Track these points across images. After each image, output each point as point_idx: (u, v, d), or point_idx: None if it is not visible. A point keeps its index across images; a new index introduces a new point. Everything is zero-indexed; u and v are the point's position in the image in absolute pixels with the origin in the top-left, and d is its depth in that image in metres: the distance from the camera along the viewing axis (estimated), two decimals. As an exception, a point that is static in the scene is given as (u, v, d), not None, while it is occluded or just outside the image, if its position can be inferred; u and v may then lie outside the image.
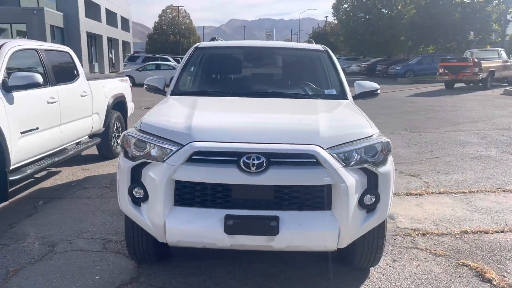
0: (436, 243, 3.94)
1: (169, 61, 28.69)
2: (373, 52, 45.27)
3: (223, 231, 2.52)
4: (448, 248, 3.83)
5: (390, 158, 2.93)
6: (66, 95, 5.25)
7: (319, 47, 4.29)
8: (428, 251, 3.77)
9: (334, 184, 2.58)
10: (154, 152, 2.63)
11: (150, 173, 2.62)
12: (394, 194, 5.18)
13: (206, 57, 4.23)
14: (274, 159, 2.56)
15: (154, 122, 2.89)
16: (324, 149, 2.61)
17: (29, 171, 4.51)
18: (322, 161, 2.55)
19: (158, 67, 26.15)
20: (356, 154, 2.70)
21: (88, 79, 6.13)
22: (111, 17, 39.95)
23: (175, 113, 3.21)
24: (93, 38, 36.38)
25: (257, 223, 2.53)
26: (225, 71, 4.27)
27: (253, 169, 2.51)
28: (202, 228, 2.56)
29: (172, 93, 3.75)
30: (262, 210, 2.59)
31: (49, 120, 4.86)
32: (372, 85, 4.05)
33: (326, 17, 76.23)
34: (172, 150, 2.58)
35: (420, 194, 5.36)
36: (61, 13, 29.46)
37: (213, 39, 4.78)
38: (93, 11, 34.72)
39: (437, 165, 6.81)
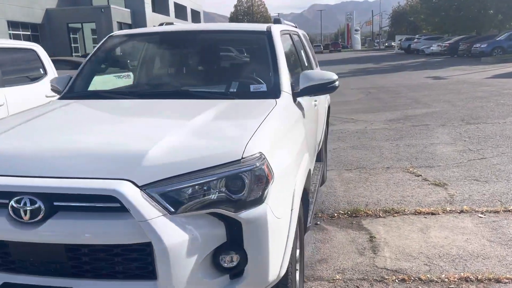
0: (415, 297, 2.80)
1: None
2: (459, 29, 41.03)
3: None
4: (430, 306, 2.68)
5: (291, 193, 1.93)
6: (20, 97, 4.78)
7: (260, 27, 3.23)
8: (397, 309, 2.66)
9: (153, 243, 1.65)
10: None
11: None
12: (398, 212, 4.04)
13: (118, 48, 3.42)
14: (60, 203, 1.70)
15: None
16: (138, 186, 1.68)
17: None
18: (127, 206, 1.64)
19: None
20: (199, 191, 1.73)
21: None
22: (180, 11, 40.62)
23: None
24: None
25: None
26: (138, 64, 3.42)
27: (25, 217, 1.68)
28: None
29: (63, 96, 3.01)
30: (53, 277, 1.75)
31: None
32: (324, 76, 2.92)
33: (408, -6, 71.12)
34: None
35: (432, 214, 4.09)
36: (129, 10, 30.41)
37: (161, 25, 3.92)
38: (161, 5, 35.49)
39: (478, 169, 5.36)
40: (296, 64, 3.63)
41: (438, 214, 4.08)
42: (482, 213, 4.05)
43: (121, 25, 28.54)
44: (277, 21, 4.00)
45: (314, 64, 4.80)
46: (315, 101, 3.76)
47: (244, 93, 2.83)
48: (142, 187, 1.69)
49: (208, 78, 3.13)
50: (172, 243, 1.64)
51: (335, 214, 4.19)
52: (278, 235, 1.88)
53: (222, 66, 3.29)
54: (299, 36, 4.53)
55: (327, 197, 4.69)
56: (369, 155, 6.35)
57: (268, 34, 3.10)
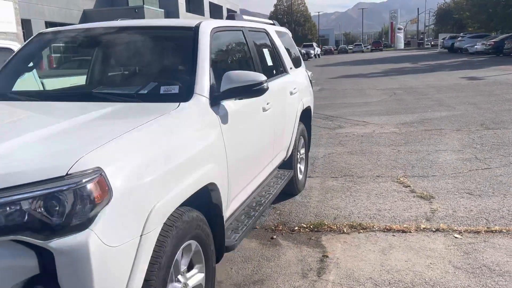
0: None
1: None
2: (507, 27, 38.78)
3: None
4: None
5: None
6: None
7: (188, 24, 2.90)
8: None
9: None
10: None
11: None
12: (365, 228, 3.68)
13: (44, 47, 3.22)
14: None
15: None
16: None
17: None
18: None
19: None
20: (1, 213, 1.48)
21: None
22: (216, 10, 40.78)
23: None
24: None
25: None
26: (67, 63, 3.22)
27: None
28: None
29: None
30: None
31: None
32: (248, 77, 2.59)
33: (454, -9, 68.12)
34: None
35: (403, 231, 3.65)
36: (163, 10, 30.81)
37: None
38: (196, 5, 35.74)
39: (476, 181, 4.81)
40: (241, 65, 3.32)
41: (410, 232, 3.63)
42: (459, 232, 3.57)
43: (154, 25, 29.00)
44: (231, 16, 3.71)
45: (288, 66, 4.45)
46: (268, 103, 3.43)
47: (153, 96, 2.55)
48: None
49: (127, 79, 2.88)
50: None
51: (297, 228, 3.84)
52: (113, 267, 1.60)
53: (144, 66, 3.02)
54: (267, 34, 4.20)
55: (297, 208, 4.34)
56: (364, 161, 5.91)
57: (195, 31, 2.80)
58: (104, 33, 3.11)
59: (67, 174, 1.55)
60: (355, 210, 4.19)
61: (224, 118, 2.61)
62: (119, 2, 30.72)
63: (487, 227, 3.61)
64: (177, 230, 1.98)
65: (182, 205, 2.10)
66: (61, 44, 3.18)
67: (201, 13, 36.86)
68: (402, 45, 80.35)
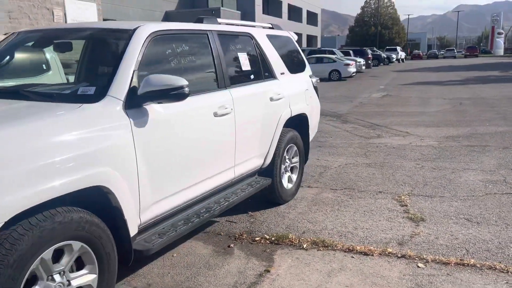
0: None
1: (334, 53, 27.47)
2: None
3: None
4: None
5: None
6: None
7: (126, 27, 2.90)
8: None
9: None
10: None
11: None
12: (327, 246, 3.51)
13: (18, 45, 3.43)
14: None
15: None
16: None
17: None
18: None
19: (319, 60, 25.28)
20: None
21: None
22: (295, 12, 40.66)
23: None
24: (272, 34, 37.89)
25: None
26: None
27: None
28: None
29: None
30: None
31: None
32: (168, 81, 2.54)
33: None
34: None
35: (365, 254, 3.36)
36: (239, 12, 31.43)
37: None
38: (274, 7, 35.97)
39: (485, 207, 4.29)
40: (193, 69, 3.30)
41: (371, 255, 3.35)
42: (426, 262, 3.21)
43: (230, 27, 29.73)
44: (199, 20, 3.70)
45: (277, 71, 4.32)
46: (225, 108, 3.36)
47: (70, 96, 2.63)
48: None
49: (63, 79, 2.99)
50: None
51: (258, 238, 3.72)
52: None
53: (84, 67, 3.11)
54: (252, 38, 4.12)
55: (273, 217, 4.20)
56: (376, 175, 5.55)
57: (130, 34, 2.83)
58: (59, 35, 3.28)
59: None
60: (330, 225, 3.96)
61: (140, 122, 2.61)
62: (199, 3, 31.96)
63: (460, 259, 3.21)
64: (41, 230, 2.03)
65: (62, 204, 2.15)
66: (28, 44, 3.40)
67: (279, 15, 37.02)
68: (501, 51, 73.89)
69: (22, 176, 1.96)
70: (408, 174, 5.52)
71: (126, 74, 2.63)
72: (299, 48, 5.11)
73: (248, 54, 4.00)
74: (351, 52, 31.46)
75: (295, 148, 4.67)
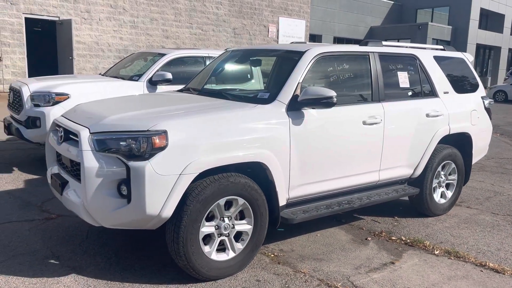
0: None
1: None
2: None
3: None
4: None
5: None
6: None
7: (298, 49, 3.70)
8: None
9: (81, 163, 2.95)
10: None
11: None
12: (457, 257, 3.78)
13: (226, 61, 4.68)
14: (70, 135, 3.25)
15: None
16: (90, 132, 3.00)
17: None
18: (80, 141, 2.98)
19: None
20: (113, 143, 2.87)
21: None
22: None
23: None
24: (488, 50, 34.17)
25: None
26: None
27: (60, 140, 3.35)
28: None
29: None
30: (66, 174, 3.34)
31: None
32: (320, 92, 3.23)
33: None
34: None
35: (496, 271, 3.45)
36: (450, 27, 29.48)
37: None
38: (494, 21, 32.48)
39: None
40: (348, 84, 4.00)
41: (503, 273, 3.41)
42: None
43: (437, 42, 28.28)
44: (364, 43, 4.30)
45: (440, 90, 4.60)
46: (376, 118, 3.92)
47: (252, 98, 3.63)
48: (91, 133, 2.99)
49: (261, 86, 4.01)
50: (90, 166, 2.87)
51: (394, 238, 4.12)
52: (157, 186, 2.80)
53: (271, 77, 4.06)
54: (416, 59, 4.52)
55: (417, 225, 4.49)
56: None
57: (301, 54, 3.70)
58: (255, 53, 4.44)
59: (147, 130, 2.88)
60: (472, 242, 4.07)
61: (297, 121, 3.44)
62: (407, 18, 31.35)
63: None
64: (220, 184, 3.04)
65: (235, 171, 3.14)
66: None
67: (499, 30, 33.28)
68: None
69: (213, 146, 3.01)
70: None
71: (292, 85, 3.51)
72: (472, 68, 5.19)
73: (409, 73, 4.42)
74: None
75: (453, 165, 4.81)
